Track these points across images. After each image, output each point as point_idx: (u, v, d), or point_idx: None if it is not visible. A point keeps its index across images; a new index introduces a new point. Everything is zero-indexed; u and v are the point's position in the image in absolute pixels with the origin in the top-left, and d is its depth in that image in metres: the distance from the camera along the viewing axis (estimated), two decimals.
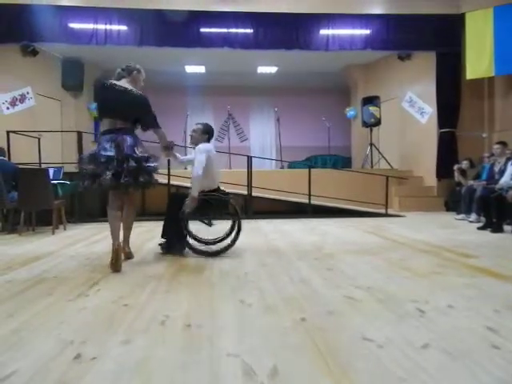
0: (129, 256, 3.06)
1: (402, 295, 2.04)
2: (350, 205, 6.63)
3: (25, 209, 4.58)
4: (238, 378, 1.21)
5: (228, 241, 3.26)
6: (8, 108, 6.97)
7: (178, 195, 3.37)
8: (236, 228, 3.23)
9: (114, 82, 2.82)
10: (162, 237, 3.32)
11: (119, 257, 2.64)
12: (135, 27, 6.71)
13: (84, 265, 2.88)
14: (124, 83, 2.84)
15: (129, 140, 2.71)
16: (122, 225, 2.87)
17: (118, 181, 2.62)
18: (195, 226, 3.43)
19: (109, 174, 2.59)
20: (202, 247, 3.29)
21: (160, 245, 3.33)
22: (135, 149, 2.73)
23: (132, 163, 2.64)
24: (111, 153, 2.62)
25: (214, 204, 3.19)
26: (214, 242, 3.44)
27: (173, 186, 6.11)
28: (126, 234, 3.01)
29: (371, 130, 8.19)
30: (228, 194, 3.39)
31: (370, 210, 6.50)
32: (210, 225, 3.35)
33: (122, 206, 2.88)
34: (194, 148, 3.37)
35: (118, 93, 2.75)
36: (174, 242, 3.23)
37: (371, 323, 1.65)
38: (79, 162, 2.84)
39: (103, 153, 2.63)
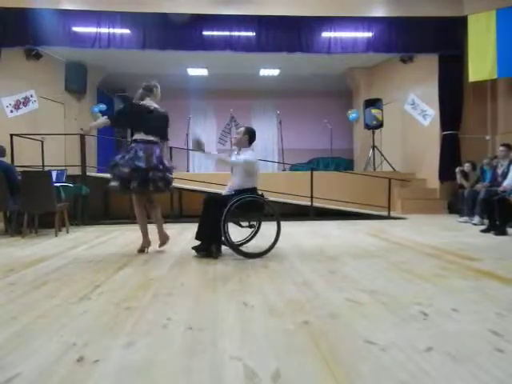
0: (165, 240, 3.53)
1: (405, 298, 2.03)
2: (353, 207, 6.62)
3: (28, 211, 4.60)
4: (240, 381, 1.20)
5: (270, 241, 3.31)
6: (12, 111, 7.03)
7: (213, 199, 3.34)
8: (276, 229, 3.29)
9: (143, 102, 3.26)
10: (197, 239, 3.30)
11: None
12: (138, 31, 6.76)
13: (87, 267, 2.89)
14: (149, 102, 3.28)
15: (157, 152, 3.21)
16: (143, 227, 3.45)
17: (145, 187, 3.15)
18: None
19: (136, 182, 3.07)
20: (244, 248, 3.33)
21: (194, 248, 3.30)
22: (162, 160, 3.22)
23: (157, 173, 3.16)
24: (142, 164, 3.07)
25: (251, 205, 3.23)
26: (240, 245, 3.49)
27: (176, 188, 6.11)
28: (159, 225, 3.49)
29: (373, 133, 8.18)
30: (263, 195, 3.44)
31: (372, 212, 6.49)
32: (251, 226, 3.44)
33: (144, 205, 3.41)
34: (236, 150, 3.54)
35: (148, 112, 3.22)
36: (212, 246, 3.21)
37: (374, 326, 1.65)
38: (112, 165, 3.17)
39: (136, 162, 3.07)
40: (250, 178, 3.36)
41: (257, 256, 3.18)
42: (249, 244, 3.58)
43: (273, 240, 3.29)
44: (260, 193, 3.44)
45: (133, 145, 3.21)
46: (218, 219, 3.08)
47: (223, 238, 3.15)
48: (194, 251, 3.30)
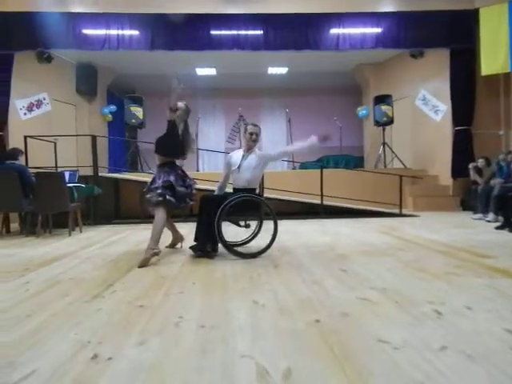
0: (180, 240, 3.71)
1: (417, 296, 2.01)
2: (363, 205, 6.56)
3: (42, 212, 4.69)
4: (251, 380, 1.21)
5: (266, 242, 3.25)
6: (25, 113, 7.15)
7: (209, 198, 3.34)
8: (273, 229, 3.23)
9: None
10: (196, 240, 3.30)
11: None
12: (146, 32, 6.81)
13: (100, 266, 2.93)
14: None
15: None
16: (170, 225, 3.59)
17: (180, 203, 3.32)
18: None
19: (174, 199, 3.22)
20: (239, 248, 3.29)
21: (191, 248, 3.30)
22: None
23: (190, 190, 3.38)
24: (181, 188, 3.27)
25: (247, 205, 3.19)
26: (241, 244, 3.47)
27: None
28: (174, 226, 3.69)
29: (384, 130, 8.09)
30: (260, 194, 3.41)
31: (383, 210, 6.42)
32: (246, 226, 3.37)
33: None
34: (244, 154, 3.40)
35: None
36: (207, 245, 3.19)
37: (387, 325, 1.63)
38: (163, 187, 3.22)
39: (179, 188, 3.25)
40: (257, 179, 3.34)
41: (251, 256, 3.14)
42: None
43: (269, 240, 3.22)
44: (257, 192, 3.41)
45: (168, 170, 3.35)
46: (213, 218, 3.06)
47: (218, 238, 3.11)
48: (191, 251, 3.30)
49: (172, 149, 3.29)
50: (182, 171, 3.40)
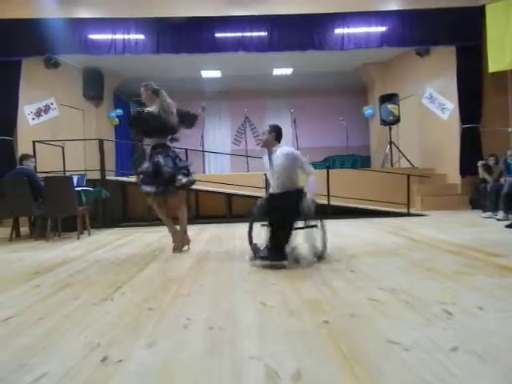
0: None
1: (427, 297, 1.99)
2: (371, 205, 6.51)
3: (51, 215, 4.74)
4: (260, 381, 1.20)
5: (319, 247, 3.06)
6: (34, 119, 7.25)
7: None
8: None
9: (148, 109, 3.56)
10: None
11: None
12: (152, 35, 6.86)
13: (108, 269, 2.95)
14: (152, 108, 3.56)
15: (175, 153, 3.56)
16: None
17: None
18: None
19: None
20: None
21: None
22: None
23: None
24: (169, 168, 3.37)
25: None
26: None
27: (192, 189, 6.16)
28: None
29: (390, 129, 8.04)
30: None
31: (391, 209, 6.38)
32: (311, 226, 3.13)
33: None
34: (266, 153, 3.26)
35: (152, 118, 3.48)
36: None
37: (396, 326, 1.62)
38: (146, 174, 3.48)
39: (165, 168, 3.35)
40: (295, 178, 3.12)
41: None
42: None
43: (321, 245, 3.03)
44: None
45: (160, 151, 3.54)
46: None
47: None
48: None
49: (159, 129, 3.47)
50: (174, 152, 3.54)
